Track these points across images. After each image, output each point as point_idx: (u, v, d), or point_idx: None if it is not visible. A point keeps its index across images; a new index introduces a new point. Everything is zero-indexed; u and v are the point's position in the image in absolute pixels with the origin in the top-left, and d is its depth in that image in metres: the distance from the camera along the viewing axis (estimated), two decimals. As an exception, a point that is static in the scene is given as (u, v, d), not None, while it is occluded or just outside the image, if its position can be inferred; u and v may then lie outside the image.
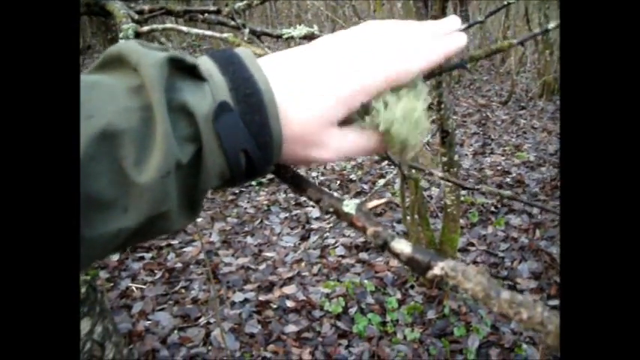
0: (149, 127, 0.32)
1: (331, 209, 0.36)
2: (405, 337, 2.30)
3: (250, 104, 0.35)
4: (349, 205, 0.35)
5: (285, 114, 0.36)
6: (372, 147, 0.39)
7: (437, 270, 0.29)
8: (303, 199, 3.63)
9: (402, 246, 0.31)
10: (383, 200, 0.54)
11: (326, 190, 0.38)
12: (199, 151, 0.34)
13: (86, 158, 0.30)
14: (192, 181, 0.35)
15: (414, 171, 2.07)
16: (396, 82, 0.39)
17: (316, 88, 0.37)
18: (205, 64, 0.35)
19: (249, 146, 0.35)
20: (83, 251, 0.31)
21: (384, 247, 0.32)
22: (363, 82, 0.37)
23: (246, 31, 0.68)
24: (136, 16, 0.75)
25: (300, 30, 0.94)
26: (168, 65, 0.33)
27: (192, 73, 0.35)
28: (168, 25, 0.60)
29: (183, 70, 0.34)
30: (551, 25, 0.64)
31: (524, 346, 2.22)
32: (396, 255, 0.31)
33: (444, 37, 0.42)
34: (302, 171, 3.71)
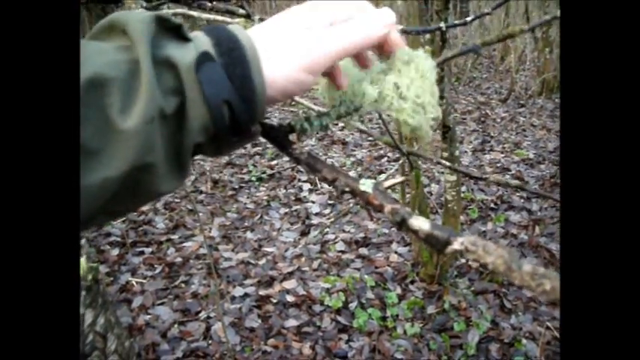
0: (135, 78, 0.33)
1: (347, 189, 0.36)
2: (405, 332, 2.30)
3: (233, 57, 0.36)
4: (366, 184, 0.35)
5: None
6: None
7: (456, 245, 0.29)
8: (303, 194, 3.63)
9: (420, 223, 0.31)
10: (399, 179, 0.54)
11: (341, 170, 0.38)
12: (183, 105, 0.35)
13: None
14: (178, 135, 0.36)
15: (420, 162, 2.07)
16: (350, 52, 0.40)
17: (285, 55, 0.38)
18: (193, 32, 0.37)
19: (232, 97, 0.36)
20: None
21: (402, 224, 0.32)
22: (323, 53, 0.39)
23: (257, 18, 0.68)
24: (144, 4, 0.75)
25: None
26: (154, 23, 0.35)
27: (178, 33, 0.36)
28: (179, 10, 0.61)
29: (169, 30, 0.36)
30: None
31: (524, 341, 2.22)
32: (415, 232, 0.31)
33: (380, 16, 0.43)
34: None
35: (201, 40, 0.36)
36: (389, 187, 0.35)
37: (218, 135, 0.37)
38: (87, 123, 0.31)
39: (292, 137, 0.44)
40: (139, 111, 0.32)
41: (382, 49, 0.44)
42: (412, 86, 0.41)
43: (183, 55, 0.35)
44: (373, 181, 0.35)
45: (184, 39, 0.36)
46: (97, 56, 0.32)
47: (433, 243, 0.30)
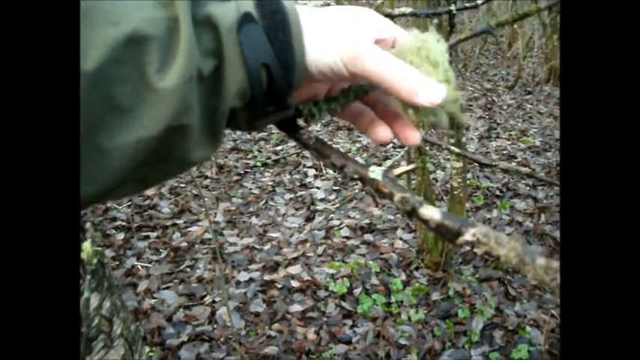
0: (174, 37, 0.32)
1: (356, 176, 0.36)
2: (409, 318, 2.31)
3: (275, 21, 0.35)
4: (375, 172, 0.35)
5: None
6: (401, 76, 0.38)
7: (468, 236, 0.28)
8: (308, 180, 3.62)
9: (431, 212, 0.30)
10: (410, 166, 0.52)
11: (350, 156, 0.37)
12: (220, 67, 0.34)
13: (110, 62, 0.30)
14: (214, 99, 0.35)
15: (427, 148, 2.06)
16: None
17: (330, 37, 0.37)
18: None
19: (272, 61, 0.35)
20: (103, 165, 0.31)
21: (412, 213, 0.31)
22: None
23: None
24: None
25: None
26: None
27: None
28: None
29: None
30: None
31: (528, 328, 2.23)
32: (425, 221, 0.30)
33: None
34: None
35: (243, 1, 0.35)
36: (399, 175, 0.34)
37: (254, 101, 0.36)
38: (124, 79, 0.31)
39: (300, 122, 0.43)
40: (177, 70, 0.32)
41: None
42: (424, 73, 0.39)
43: (225, 14, 0.34)
44: (383, 168, 0.34)
45: None
46: (135, 11, 0.31)
47: (444, 233, 0.29)
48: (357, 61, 0.36)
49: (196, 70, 0.33)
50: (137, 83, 0.31)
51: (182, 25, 0.32)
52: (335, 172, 3.76)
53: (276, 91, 0.36)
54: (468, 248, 2.76)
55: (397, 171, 0.34)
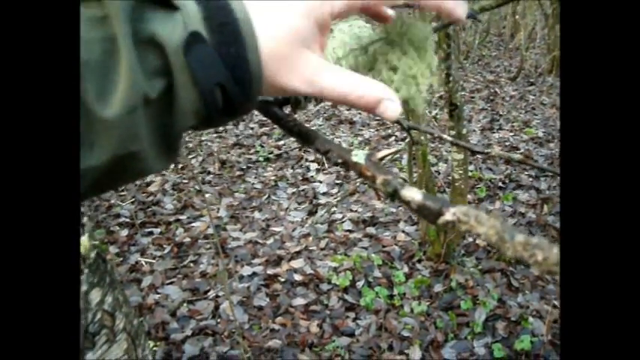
0: (112, 60, 0.30)
1: (340, 160, 0.36)
2: (412, 310, 2.31)
3: (226, 34, 0.32)
4: (358, 155, 0.34)
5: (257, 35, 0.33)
6: (358, 91, 0.35)
7: (448, 216, 0.28)
8: (310, 174, 3.62)
9: (413, 193, 0.30)
10: (393, 150, 0.53)
11: (333, 141, 0.37)
12: (170, 86, 0.32)
13: None
14: (166, 119, 0.33)
15: (422, 138, 2.05)
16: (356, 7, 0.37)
17: (282, 3, 0.34)
18: None
19: (226, 80, 0.32)
20: None
21: (394, 195, 0.31)
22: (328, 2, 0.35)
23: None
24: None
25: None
26: None
27: (163, 1, 0.32)
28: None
29: None
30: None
31: (531, 319, 2.22)
32: (407, 203, 0.30)
33: None
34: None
35: (189, 13, 0.32)
36: (382, 158, 0.34)
37: (210, 117, 0.34)
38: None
39: (287, 109, 0.43)
40: (119, 99, 0.29)
41: (379, 17, 0.42)
42: (404, 57, 0.40)
43: (171, 32, 0.31)
44: (366, 152, 0.34)
45: (170, 7, 0.32)
46: None
47: (425, 214, 0.29)
48: (314, 91, 0.35)
49: (142, 97, 0.30)
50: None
51: (121, 46, 0.29)
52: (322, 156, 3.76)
53: (234, 105, 0.34)
54: (470, 240, 2.76)
55: (380, 154, 0.34)
